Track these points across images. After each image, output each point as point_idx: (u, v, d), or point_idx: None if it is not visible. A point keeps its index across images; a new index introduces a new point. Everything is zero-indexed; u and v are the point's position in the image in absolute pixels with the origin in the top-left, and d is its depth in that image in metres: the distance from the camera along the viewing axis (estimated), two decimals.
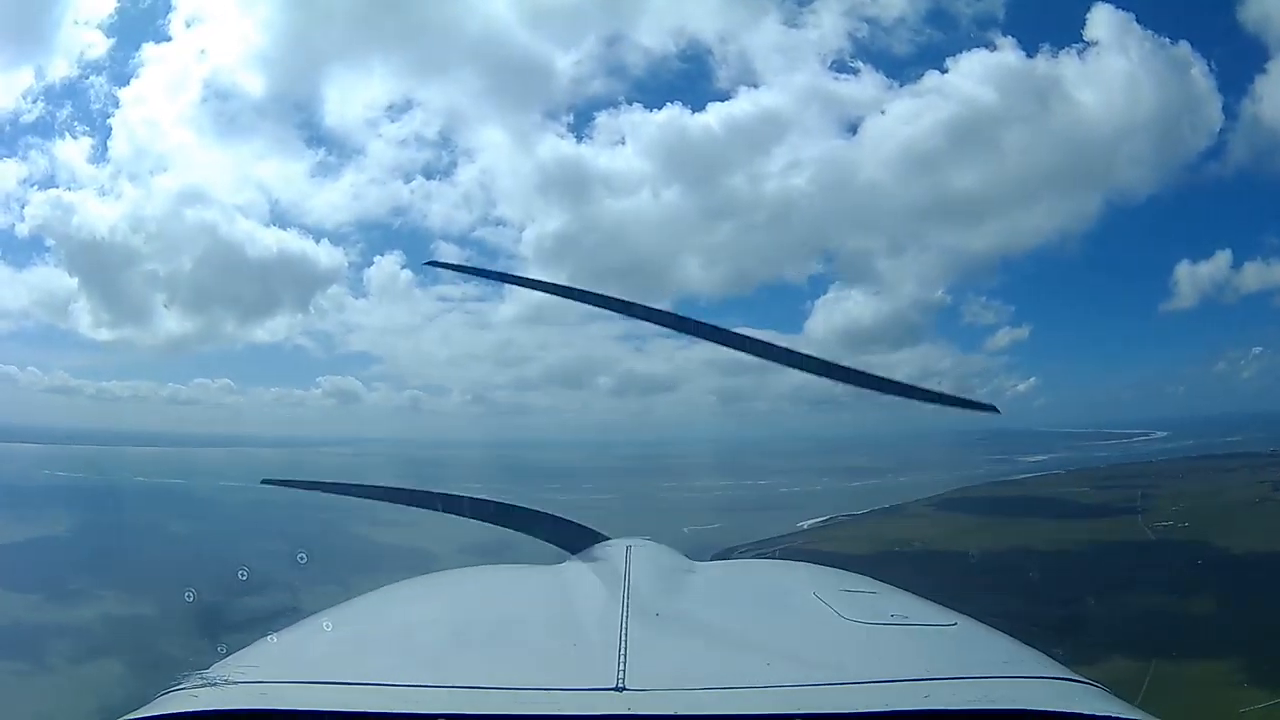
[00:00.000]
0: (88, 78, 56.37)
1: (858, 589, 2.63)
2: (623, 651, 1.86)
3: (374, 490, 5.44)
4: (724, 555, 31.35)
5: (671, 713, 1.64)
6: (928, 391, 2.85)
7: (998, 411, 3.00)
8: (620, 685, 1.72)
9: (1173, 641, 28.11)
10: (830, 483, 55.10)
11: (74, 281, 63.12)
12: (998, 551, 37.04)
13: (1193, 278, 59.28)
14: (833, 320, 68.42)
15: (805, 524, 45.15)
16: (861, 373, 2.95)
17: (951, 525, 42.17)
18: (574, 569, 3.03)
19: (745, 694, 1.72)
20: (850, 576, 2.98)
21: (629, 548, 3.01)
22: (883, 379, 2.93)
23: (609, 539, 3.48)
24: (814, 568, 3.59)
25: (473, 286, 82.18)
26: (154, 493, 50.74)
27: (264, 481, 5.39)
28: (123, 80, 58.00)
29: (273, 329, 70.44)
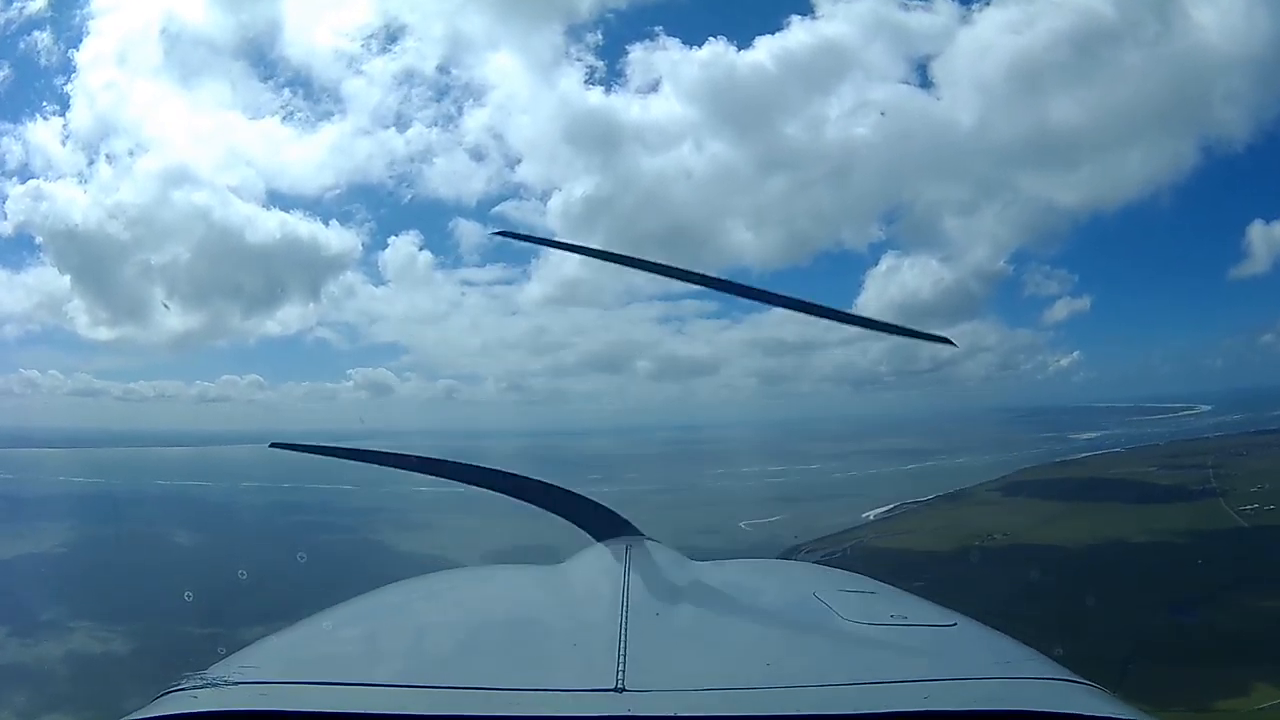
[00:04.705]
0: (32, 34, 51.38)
1: (858, 589, 2.59)
2: (622, 652, 1.84)
3: (403, 460, 4.91)
4: (788, 556, 29.41)
5: (671, 714, 1.62)
6: (886, 324, 3.44)
7: (954, 345, 3.17)
8: (620, 686, 1.70)
9: None
10: (884, 466, 53.31)
11: (67, 280, 59.41)
12: (1094, 546, 35.44)
13: (1267, 239, 55.61)
14: (888, 292, 64.53)
15: (871, 515, 43.39)
16: (824, 308, 3.34)
17: (1027, 513, 40.55)
18: (574, 569, 3.00)
19: (745, 695, 1.71)
20: (850, 576, 2.94)
21: (629, 547, 2.97)
22: (845, 314, 3.40)
23: (638, 531, 3.39)
24: (814, 567, 3.78)
25: (499, 269, 78.39)
26: (172, 499, 47.37)
27: (272, 445, 4.88)
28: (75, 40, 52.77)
29: (286, 321, 66.78)
